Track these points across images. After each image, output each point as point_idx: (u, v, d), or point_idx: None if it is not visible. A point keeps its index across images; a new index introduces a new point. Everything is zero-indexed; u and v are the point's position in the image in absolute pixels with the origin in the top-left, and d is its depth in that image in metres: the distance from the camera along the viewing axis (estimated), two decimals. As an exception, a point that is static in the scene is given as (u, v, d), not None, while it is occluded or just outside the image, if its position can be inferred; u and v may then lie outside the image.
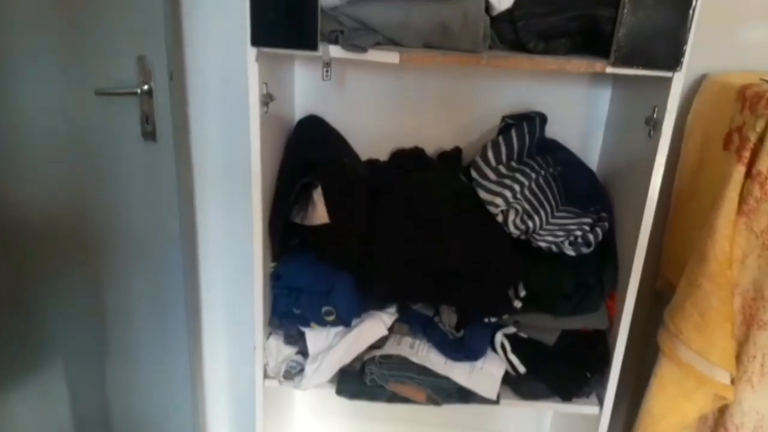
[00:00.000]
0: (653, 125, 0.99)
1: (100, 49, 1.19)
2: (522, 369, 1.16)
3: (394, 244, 1.10)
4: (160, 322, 1.40)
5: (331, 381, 1.17)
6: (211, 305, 1.50)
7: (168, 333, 1.40)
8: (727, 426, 1.06)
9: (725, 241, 0.97)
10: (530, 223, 1.08)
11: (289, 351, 1.20)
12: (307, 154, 1.16)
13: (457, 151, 1.30)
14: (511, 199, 1.08)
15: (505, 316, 1.13)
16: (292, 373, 1.18)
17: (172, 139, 1.24)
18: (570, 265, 1.09)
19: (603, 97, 1.26)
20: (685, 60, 0.91)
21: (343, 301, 1.12)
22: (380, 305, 1.17)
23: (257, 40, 0.93)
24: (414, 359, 1.13)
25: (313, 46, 0.92)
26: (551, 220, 1.10)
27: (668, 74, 0.93)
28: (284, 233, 1.12)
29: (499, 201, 1.08)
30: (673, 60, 0.91)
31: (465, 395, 1.14)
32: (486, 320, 1.14)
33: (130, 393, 1.47)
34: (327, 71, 0.96)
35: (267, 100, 1.03)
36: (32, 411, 1.46)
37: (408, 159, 1.30)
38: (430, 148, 1.32)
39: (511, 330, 1.16)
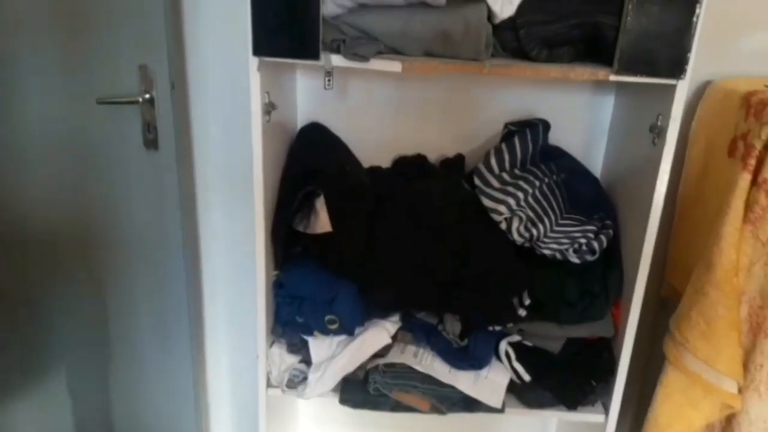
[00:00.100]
0: (657, 133, 0.99)
1: (102, 58, 1.19)
2: (527, 377, 1.15)
3: (397, 252, 1.10)
4: (163, 330, 1.39)
5: (334, 390, 1.16)
6: (214, 313, 1.50)
7: (171, 341, 1.40)
8: (735, 435, 1.05)
9: (731, 249, 0.96)
10: (534, 231, 1.07)
11: (292, 360, 1.19)
12: (310, 162, 1.15)
13: (459, 158, 1.30)
14: (514, 207, 1.07)
15: (510, 325, 1.13)
16: (295, 382, 1.17)
17: (174, 147, 1.24)
18: (575, 273, 1.08)
19: (606, 104, 1.25)
20: (689, 67, 0.90)
21: (346, 309, 1.11)
22: (383, 313, 1.17)
23: (259, 49, 0.92)
24: (418, 368, 1.13)
25: (315, 56, 0.91)
26: (555, 228, 1.09)
27: (672, 82, 0.92)
28: (287, 241, 1.11)
29: (502, 208, 1.07)
30: (676, 68, 0.90)
31: (470, 404, 1.14)
32: (490, 328, 1.13)
33: (132, 401, 1.47)
34: (329, 80, 0.96)
35: (269, 108, 1.02)
36: (35, 418, 1.46)
37: (410, 166, 1.30)
38: (433, 155, 1.31)
39: (516, 338, 1.15)
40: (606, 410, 1.17)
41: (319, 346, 1.16)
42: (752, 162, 0.95)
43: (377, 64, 0.94)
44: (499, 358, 1.16)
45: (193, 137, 1.33)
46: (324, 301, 1.12)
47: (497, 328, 1.13)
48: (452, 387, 1.12)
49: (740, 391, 1.02)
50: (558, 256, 1.07)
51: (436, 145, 1.30)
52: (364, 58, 0.92)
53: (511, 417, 1.21)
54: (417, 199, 1.14)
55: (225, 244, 1.43)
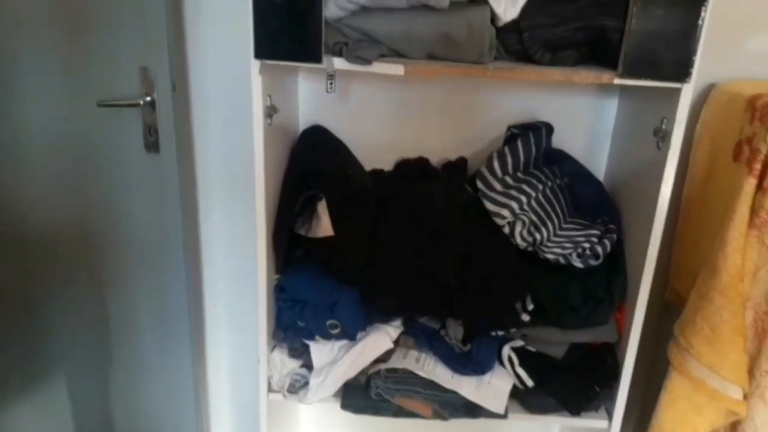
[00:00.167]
0: (662, 136, 0.98)
1: (103, 61, 1.19)
2: (530, 382, 1.14)
3: (399, 256, 1.09)
4: (164, 334, 1.39)
5: (336, 395, 1.15)
6: (215, 317, 1.49)
7: (171, 344, 1.40)
8: (740, 441, 1.04)
9: (737, 255, 0.95)
10: (537, 235, 1.06)
11: (294, 364, 1.19)
12: (312, 165, 1.15)
13: (462, 161, 1.29)
14: (517, 211, 1.07)
15: (513, 330, 1.12)
16: (297, 387, 1.17)
17: (174, 150, 1.23)
18: (578, 278, 1.08)
19: (609, 107, 1.25)
20: (695, 71, 0.90)
21: (348, 314, 1.11)
22: (385, 318, 1.16)
23: (261, 52, 0.92)
24: (420, 373, 1.12)
25: (318, 59, 0.91)
26: (559, 232, 1.08)
27: (677, 85, 0.92)
28: (288, 245, 1.11)
29: (505, 212, 1.07)
30: (681, 71, 0.90)
31: (472, 409, 1.13)
32: (493, 333, 1.12)
33: (132, 405, 1.46)
34: (331, 83, 0.95)
35: (271, 111, 1.02)
36: (35, 422, 1.46)
37: (412, 169, 1.29)
38: (435, 158, 1.30)
39: (519, 343, 1.14)
40: (609, 416, 1.16)
41: (320, 350, 1.16)
42: (758, 167, 0.94)
43: (380, 68, 0.93)
44: (501, 363, 1.15)
45: (194, 140, 1.33)
46: (326, 306, 1.11)
47: (500, 333, 1.12)
48: (455, 392, 1.12)
49: (745, 397, 1.01)
50: (561, 260, 1.07)
51: (438, 148, 1.30)
52: (367, 62, 0.91)
53: (514, 423, 1.20)
54: (419, 203, 1.14)
55: (226, 247, 1.42)
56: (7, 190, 1.27)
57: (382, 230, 1.10)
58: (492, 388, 1.13)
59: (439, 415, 1.13)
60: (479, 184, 1.11)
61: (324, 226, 1.06)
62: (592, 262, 1.06)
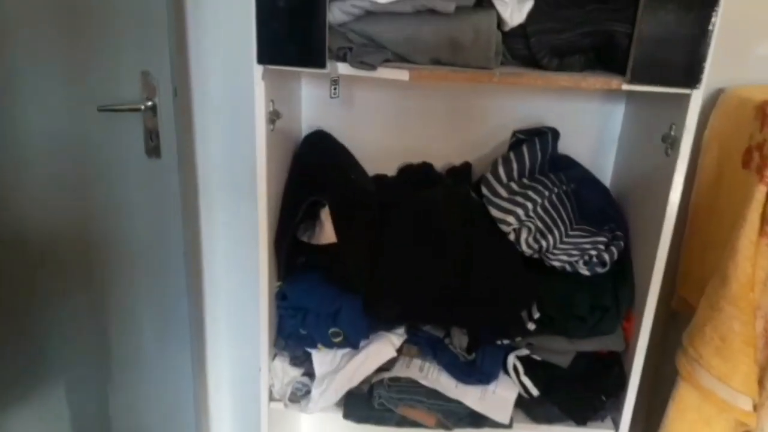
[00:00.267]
0: (671, 143, 0.97)
1: (104, 65, 1.18)
2: (535, 392, 1.13)
3: (403, 263, 1.08)
4: (164, 342, 1.37)
5: (338, 404, 1.14)
6: (216, 325, 1.48)
7: (171, 352, 1.38)
8: (750, 453, 1.02)
9: (747, 263, 0.94)
10: (543, 242, 1.05)
11: (295, 372, 1.17)
12: (314, 171, 1.14)
13: (466, 167, 1.28)
14: (523, 217, 1.05)
15: (518, 338, 1.10)
16: (298, 396, 1.15)
17: (176, 155, 1.22)
18: (585, 286, 1.06)
19: (616, 113, 1.23)
20: (705, 76, 0.88)
21: (350, 322, 1.09)
22: (388, 326, 1.14)
23: (264, 57, 0.91)
24: (424, 382, 1.11)
25: (321, 64, 0.90)
26: (565, 239, 1.07)
27: (686, 91, 0.90)
28: (290, 252, 1.09)
29: (511, 219, 1.05)
30: (691, 77, 0.88)
31: (476, 419, 1.11)
32: (498, 342, 1.11)
33: (132, 413, 1.45)
34: (335, 89, 0.94)
35: (274, 117, 1.01)
36: (33, 429, 1.43)
37: (416, 175, 1.28)
38: (439, 163, 1.29)
39: (524, 352, 1.13)
40: (616, 425, 1.15)
41: (322, 359, 1.14)
42: (768, 174, 0.92)
43: (385, 73, 0.92)
44: (506, 372, 1.14)
45: (196, 145, 1.32)
46: (328, 314, 1.09)
47: (505, 341, 1.11)
48: (459, 402, 1.10)
49: (755, 408, 0.99)
50: (568, 268, 1.05)
51: (442, 153, 1.29)
52: (372, 67, 0.90)
53: (519, 432, 1.19)
54: (423, 209, 1.12)
55: (227, 253, 1.41)
56: (7, 194, 1.26)
57: (386, 237, 1.08)
58: (497, 397, 1.12)
59: (442, 425, 1.12)
60: (484, 190, 1.10)
61: (327, 233, 1.05)
62: (599, 270, 1.05)
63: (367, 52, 0.91)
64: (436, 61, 0.95)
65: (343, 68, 0.93)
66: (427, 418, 1.12)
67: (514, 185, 1.10)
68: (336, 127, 1.27)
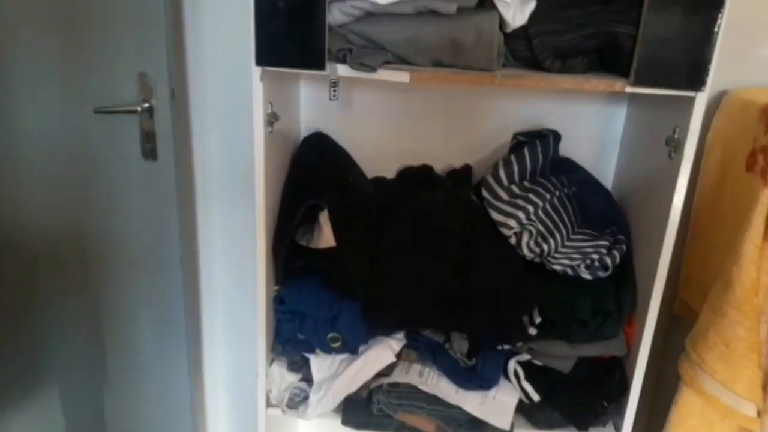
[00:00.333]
0: (674, 146, 0.96)
1: (100, 66, 1.17)
2: (536, 397, 1.11)
3: (402, 267, 1.06)
4: (160, 347, 1.36)
5: (336, 410, 1.13)
6: (213, 329, 1.47)
7: (168, 357, 1.37)
8: (753, 459, 1.01)
9: (751, 268, 0.93)
10: (545, 246, 1.04)
11: (293, 378, 1.16)
12: (313, 174, 1.13)
13: (466, 169, 1.27)
14: (524, 221, 1.04)
15: (520, 344, 1.09)
16: (296, 401, 1.14)
17: (173, 158, 1.21)
18: (586, 290, 1.05)
19: (618, 115, 1.22)
20: (710, 79, 0.87)
21: (349, 327, 1.08)
22: (388, 331, 1.13)
23: (262, 59, 0.89)
24: (423, 388, 1.09)
25: (321, 66, 0.88)
26: (567, 243, 1.06)
27: (691, 94, 0.89)
28: (288, 255, 1.08)
29: (512, 222, 1.04)
30: (696, 79, 0.87)
31: (477, 425, 1.10)
32: (499, 347, 1.09)
33: (128, 418, 1.44)
34: (334, 91, 0.92)
35: (272, 119, 0.99)
36: (28, 433, 1.43)
37: (416, 177, 1.26)
38: (439, 165, 1.28)
39: (525, 357, 1.11)
40: (617, 431, 1.13)
41: (320, 364, 1.13)
42: (774, 178, 0.91)
43: (385, 75, 0.91)
44: (507, 377, 1.13)
45: (193, 147, 1.31)
46: (326, 319, 1.08)
47: (506, 347, 1.09)
48: (459, 408, 1.09)
49: (759, 414, 0.98)
50: (569, 272, 1.04)
51: (442, 155, 1.27)
52: (372, 69, 0.89)
53: (519, 437, 1.18)
54: (423, 212, 1.11)
55: (224, 257, 1.40)
56: (2, 195, 1.25)
57: (385, 240, 1.07)
58: (497, 403, 1.11)
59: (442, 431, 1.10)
60: (485, 193, 1.09)
61: (326, 237, 1.04)
62: (601, 274, 1.04)
63: (367, 53, 0.90)
64: (437, 63, 0.94)
65: (342, 70, 0.91)
66: (427, 424, 1.11)
67: (515, 188, 1.09)
68: (335, 129, 1.26)
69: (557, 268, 1.04)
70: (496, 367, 1.11)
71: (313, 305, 1.09)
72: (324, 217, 1.03)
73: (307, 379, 1.15)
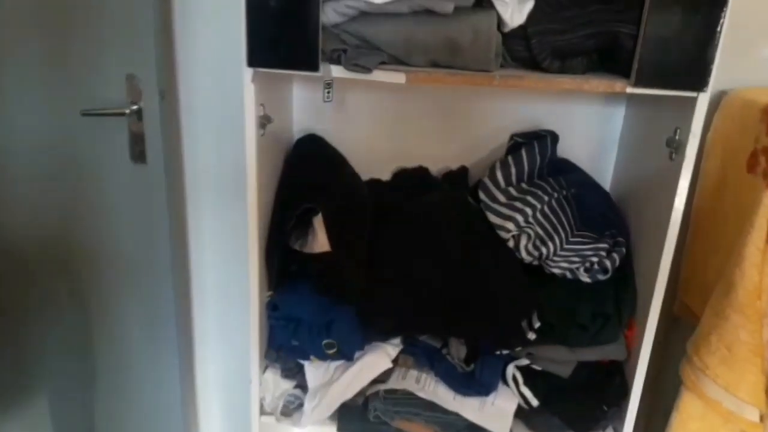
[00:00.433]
0: (675, 147, 0.94)
1: (88, 68, 1.15)
2: (535, 402, 1.10)
3: (398, 271, 1.05)
4: (151, 353, 1.34)
5: (331, 418, 1.11)
6: (204, 336, 1.45)
7: (159, 364, 1.35)
8: (756, 464, 1.00)
9: (754, 270, 0.92)
10: (544, 249, 1.02)
11: (287, 385, 1.15)
12: (307, 177, 1.11)
13: (463, 171, 1.25)
14: (522, 224, 1.03)
15: (518, 348, 1.07)
16: (290, 409, 1.13)
17: (162, 161, 1.19)
18: (586, 293, 1.04)
19: (616, 115, 1.21)
20: (712, 79, 0.86)
21: (344, 333, 1.07)
22: (384, 337, 1.11)
23: (254, 60, 0.87)
24: (421, 394, 1.08)
25: (314, 67, 0.86)
26: (565, 246, 1.04)
27: (693, 94, 0.88)
28: (282, 260, 1.06)
29: (510, 225, 1.03)
30: (698, 80, 0.86)
31: (475, 432, 1.08)
32: (498, 352, 1.08)
33: (119, 427, 1.42)
34: (328, 92, 0.90)
35: (264, 122, 0.97)
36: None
37: (411, 179, 1.25)
38: (435, 167, 1.27)
39: (524, 362, 1.10)
40: (617, 436, 1.12)
41: (315, 370, 1.12)
42: (776, 179, 0.90)
43: (380, 76, 0.89)
44: (505, 382, 1.11)
45: (183, 150, 1.29)
46: (321, 324, 1.07)
47: (505, 352, 1.08)
48: (457, 414, 1.08)
49: (762, 419, 0.97)
50: (568, 275, 1.03)
51: (438, 157, 1.26)
52: (367, 70, 0.87)
53: (518, 443, 1.16)
54: (419, 215, 1.10)
55: (216, 262, 1.38)
56: (-12, 199, 1.23)
57: (380, 244, 1.05)
58: (496, 409, 1.09)
59: (440, 438, 1.09)
60: (482, 196, 1.07)
61: (320, 242, 1.02)
62: (600, 277, 1.03)
63: (362, 54, 0.88)
64: (434, 63, 0.92)
65: (336, 71, 0.89)
66: (424, 431, 1.09)
67: (512, 190, 1.07)
68: (329, 130, 1.24)
69: (556, 271, 1.03)
70: (494, 372, 1.09)
71: (307, 311, 1.07)
72: (318, 221, 1.02)
73: (302, 386, 1.13)
